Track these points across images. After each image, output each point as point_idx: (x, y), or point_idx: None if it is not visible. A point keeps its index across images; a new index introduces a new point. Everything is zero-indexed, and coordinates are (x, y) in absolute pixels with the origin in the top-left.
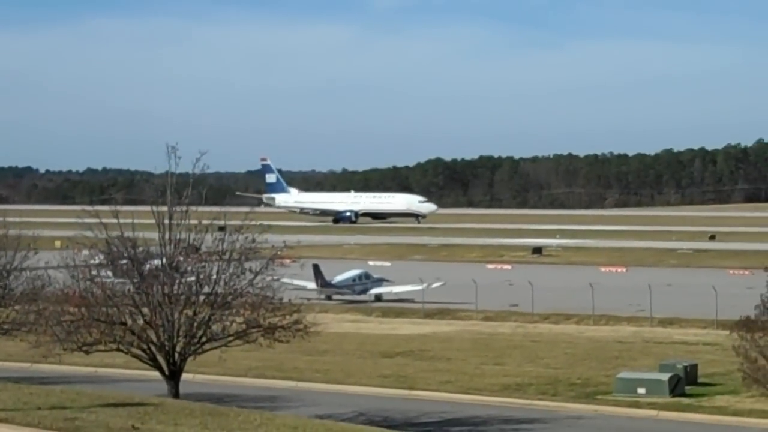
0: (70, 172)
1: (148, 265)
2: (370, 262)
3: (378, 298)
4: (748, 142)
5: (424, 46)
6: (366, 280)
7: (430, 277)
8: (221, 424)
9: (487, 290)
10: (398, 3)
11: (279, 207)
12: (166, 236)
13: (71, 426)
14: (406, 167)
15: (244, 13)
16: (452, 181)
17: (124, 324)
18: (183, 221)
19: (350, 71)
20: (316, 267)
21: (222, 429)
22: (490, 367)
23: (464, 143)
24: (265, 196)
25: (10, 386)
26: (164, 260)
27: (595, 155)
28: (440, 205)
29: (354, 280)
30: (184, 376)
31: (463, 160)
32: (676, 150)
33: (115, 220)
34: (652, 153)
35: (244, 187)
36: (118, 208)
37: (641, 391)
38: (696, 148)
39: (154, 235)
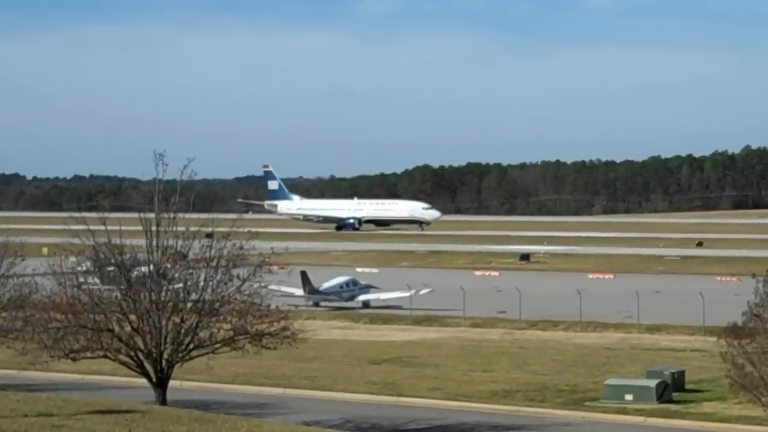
0: (57, 178)
1: (135, 272)
2: (358, 269)
3: (366, 304)
4: (735, 149)
5: (413, 53)
6: (354, 287)
7: (418, 284)
8: (209, 431)
9: (475, 297)
10: (387, 10)
11: (281, 214)
12: (154, 243)
13: None
14: (394, 174)
15: (232, 20)
16: (440, 187)
17: (112, 331)
18: (170, 228)
19: (338, 78)
20: (303, 274)
21: None
22: (478, 373)
23: (452, 150)
24: (267, 202)
25: None
26: (152, 267)
27: (583, 162)
28: None
29: (342, 286)
30: (172, 383)
31: (450, 166)
32: (663, 157)
33: (102, 227)
34: (640, 160)
35: (232, 194)
36: (106, 215)
37: (629, 397)
38: (683, 155)
39: (142, 242)
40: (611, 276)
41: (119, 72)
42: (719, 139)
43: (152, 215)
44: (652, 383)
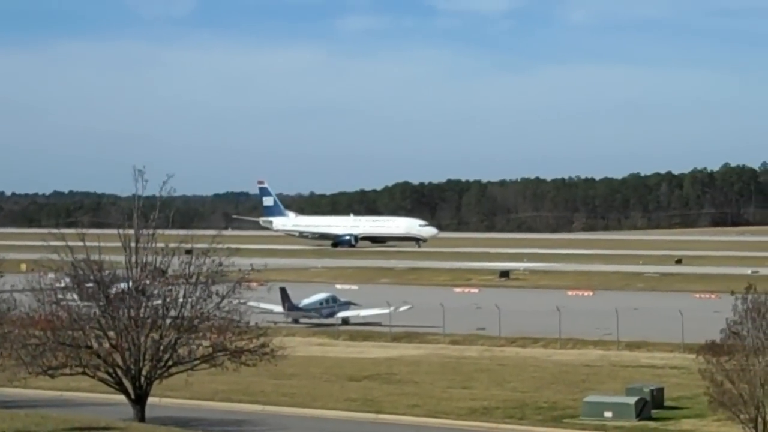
0: (36, 194)
1: (114, 289)
2: (338, 286)
3: (345, 321)
4: (714, 166)
5: (393, 69)
6: (333, 304)
7: (398, 301)
8: None
9: (454, 314)
10: (368, 26)
11: (277, 230)
12: (133, 259)
13: None
14: (374, 191)
15: (213, 36)
16: (420, 204)
17: (90, 347)
18: (149, 244)
19: (319, 94)
20: (283, 290)
21: None
22: (458, 390)
23: (432, 167)
24: (262, 219)
25: None
26: (130, 283)
27: (563, 179)
28: None
29: (321, 303)
30: (150, 399)
31: (430, 183)
32: (642, 174)
33: (81, 243)
34: (619, 177)
35: (212, 210)
36: (85, 231)
37: (608, 414)
38: (663, 172)
39: (121, 258)
40: (590, 293)
41: (99, 87)
42: (698, 156)
43: (131, 231)
44: (632, 400)
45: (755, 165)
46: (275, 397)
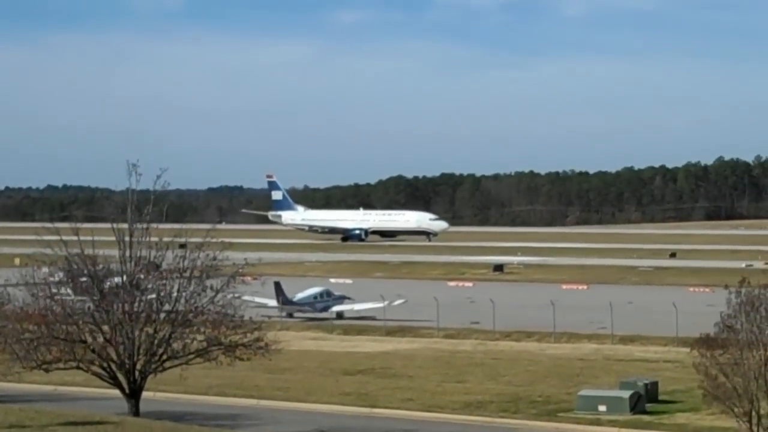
0: (30, 188)
1: (108, 283)
2: (332, 280)
3: (339, 315)
4: (708, 160)
5: (385, 63)
6: (327, 298)
7: (392, 295)
8: None
9: (448, 308)
10: (359, 20)
11: (286, 224)
12: (127, 253)
13: None
14: (368, 185)
15: (204, 30)
16: (414, 198)
17: (84, 342)
18: (143, 238)
19: (310, 88)
20: (277, 284)
21: None
22: (452, 384)
23: (425, 160)
24: (271, 213)
25: None
26: (125, 278)
27: (557, 173)
28: None
29: (315, 297)
30: (145, 394)
31: (424, 177)
32: (636, 168)
33: (75, 238)
34: (613, 171)
35: (206, 204)
36: (78, 225)
37: (602, 408)
38: (656, 166)
39: (115, 252)
40: (585, 287)
41: (91, 82)
42: (692, 150)
43: (125, 225)
44: (626, 394)
45: (749, 158)
46: (270, 391)
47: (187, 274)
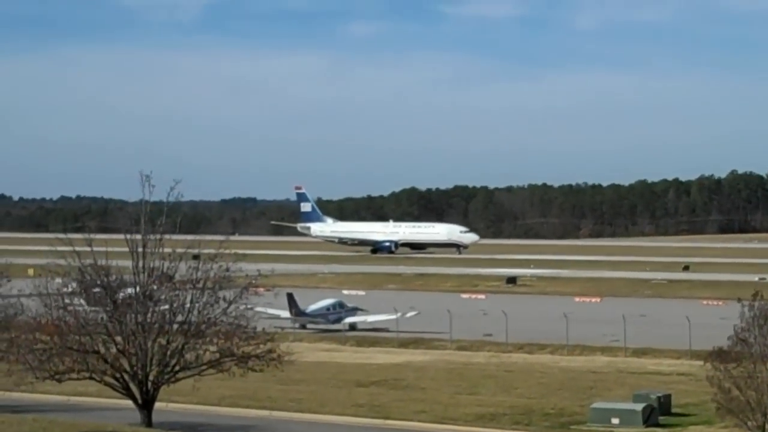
0: (43, 199)
1: (121, 294)
2: (345, 291)
3: (352, 327)
4: (721, 173)
5: (398, 75)
6: (340, 309)
7: (405, 307)
8: None
9: (461, 320)
10: (373, 32)
11: (315, 236)
12: (140, 264)
13: None
14: (381, 197)
15: (218, 43)
16: (427, 210)
17: (97, 352)
18: (157, 249)
19: (324, 100)
20: (290, 296)
21: None
22: (465, 396)
23: (439, 172)
24: (299, 225)
25: None
26: (138, 289)
27: (570, 185)
28: None
29: (328, 309)
30: (157, 404)
31: (437, 189)
32: (650, 181)
33: (88, 248)
34: (627, 183)
35: (219, 216)
36: (92, 236)
37: (615, 421)
38: (670, 179)
39: (128, 263)
40: (598, 299)
41: (106, 94)
42: (706, 163)
43: (139, 237)
44: (639, 407)
45: (762, 172)
46: (282, 402)
47: (200, 285)
